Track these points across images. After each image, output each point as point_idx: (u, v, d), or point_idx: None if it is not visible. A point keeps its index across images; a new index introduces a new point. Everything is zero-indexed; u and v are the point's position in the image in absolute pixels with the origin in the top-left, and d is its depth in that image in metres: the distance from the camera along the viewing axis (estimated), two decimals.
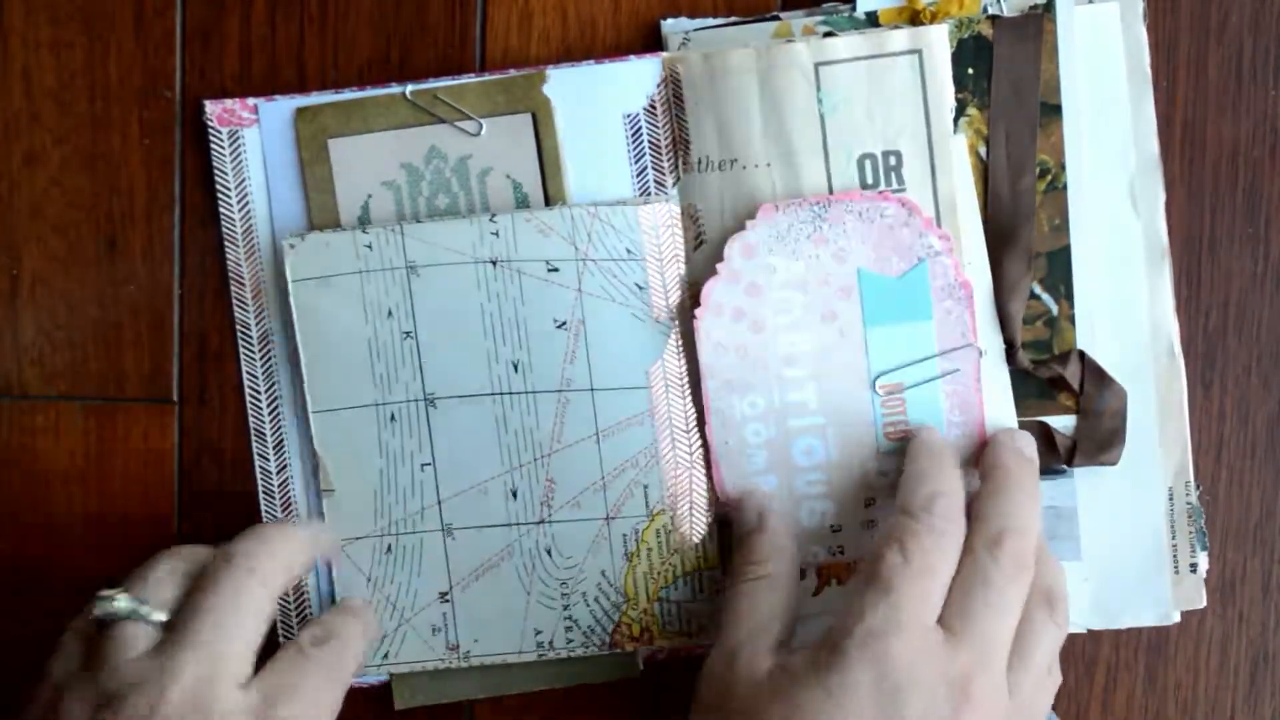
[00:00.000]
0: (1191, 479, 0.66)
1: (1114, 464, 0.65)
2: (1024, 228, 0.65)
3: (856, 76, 0.63)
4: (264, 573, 0.60)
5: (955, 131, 0.64)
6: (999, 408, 0.65)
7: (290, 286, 0.67)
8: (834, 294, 0.63)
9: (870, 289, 0.63)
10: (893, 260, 0.63)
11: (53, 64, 0.69)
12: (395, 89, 0.67)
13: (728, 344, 0.64)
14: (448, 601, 0.68)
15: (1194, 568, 0.66)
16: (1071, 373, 0.65)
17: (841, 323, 0.63)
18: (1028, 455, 0.63)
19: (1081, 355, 0.65)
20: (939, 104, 0.63)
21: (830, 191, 0.64)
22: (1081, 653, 0.68)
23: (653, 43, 0.68)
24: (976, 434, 0.64)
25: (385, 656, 0.68)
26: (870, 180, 0.64)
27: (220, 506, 0.70)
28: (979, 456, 0.63)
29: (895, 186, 0.64)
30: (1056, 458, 0.65)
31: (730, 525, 0.66)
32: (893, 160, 0.63)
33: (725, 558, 0.67)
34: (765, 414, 0.65)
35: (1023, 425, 0.65)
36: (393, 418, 0.68)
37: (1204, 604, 0.66)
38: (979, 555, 0.58)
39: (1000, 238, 0.65)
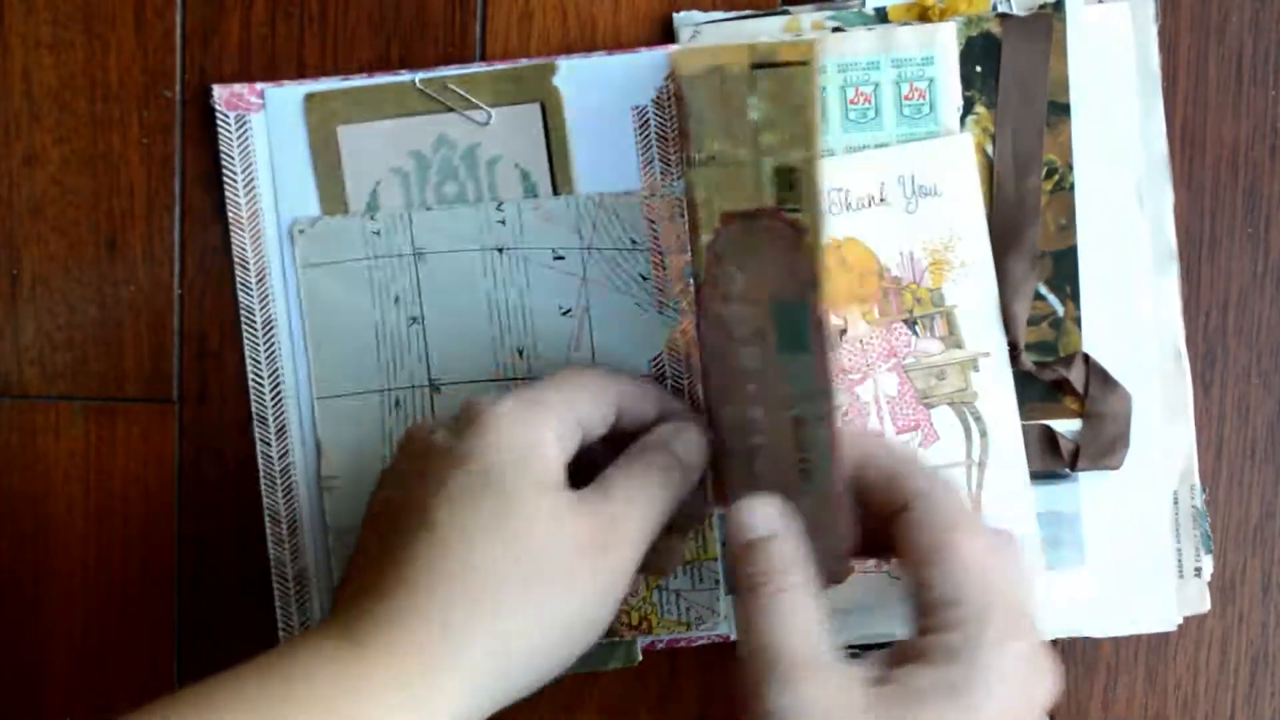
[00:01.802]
0: (1197, 482, 0.64)
1: (1117, 468, 0.63)
2: (1029, 227, 0.63)
3: (778, 85, 0.58)
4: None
5: (962, 129, 0.63)
6: (1002, 410, 0.63)
7: (299, 273, 0.66)
8: (762, 312, 0.58)
9: (777, 313, 0.58)
10: (787, 284, 0.57)
11: (53, 64, 0.67)
12: (405, 76, 0.66)
13: (718, 350, 0.59)
14: None
15: (1199, 571, 0.64)
16: (1076, 376, 0.63)
17: (768, 344, 0.58)
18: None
19: (1086, 358, 0.63)
20: (820, 121, 0.60)
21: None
22: (1081, 653, 0.67)
23: (658, 39, 0.66)
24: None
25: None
26: (784, 195, 0.59)
27: (220, 506, 0.68)
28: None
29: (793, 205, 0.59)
30: (1060, 462, 0.63)
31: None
32: (794, 176, 0.59)
33: (725, 551, 0.65)
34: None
35: (1026, 428, 0.63)
36: (397, 403, 0.66)
37: (1208, 608, 0.65)
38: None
39: (1005, 237, 0.63)
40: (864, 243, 0.62)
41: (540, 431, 0.54)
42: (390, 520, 0.54)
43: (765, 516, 0.57)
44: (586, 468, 0.57)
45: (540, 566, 0.52)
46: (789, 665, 0.52)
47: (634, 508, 0.55)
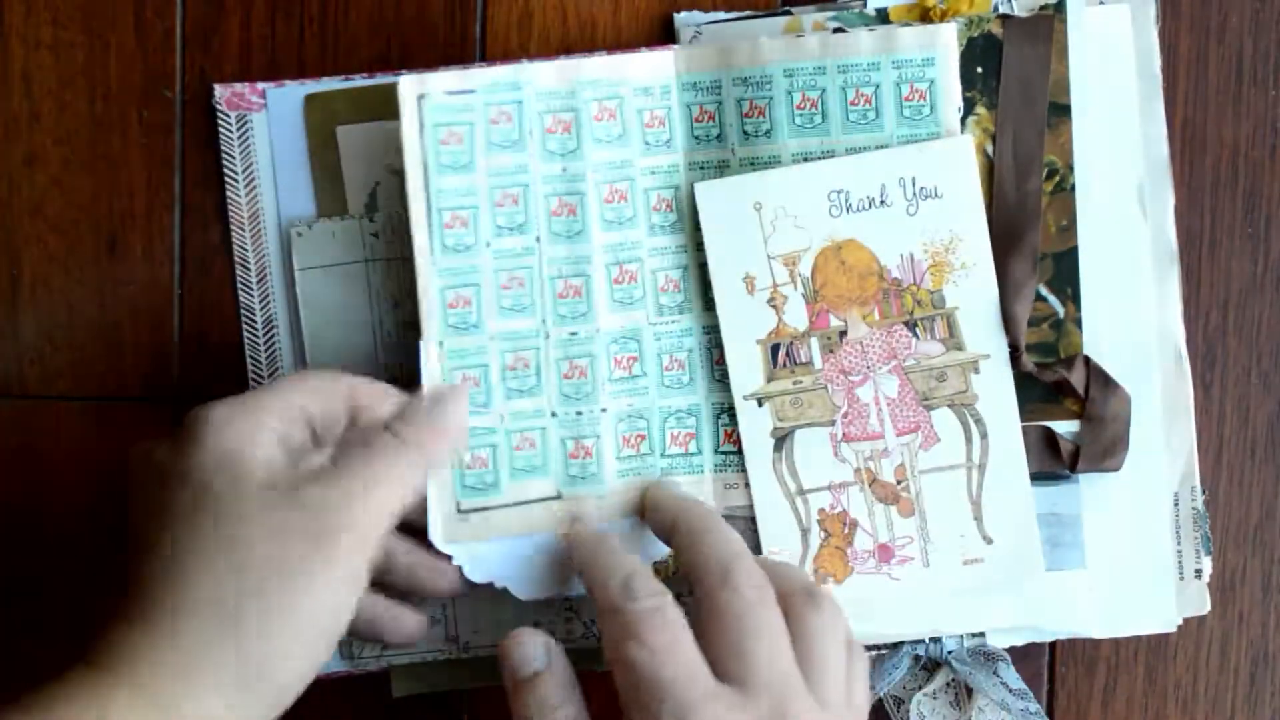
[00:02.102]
0: (1197, 484, 0.64)
1: (1117, 470, 0.63)
2: (1030, 229, 0.62)
3: None
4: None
5: (963, 130, 0.62)
6: (1002, 412, 0.62)
7: (296, 275, 0.65)
8: None
9: None
10: None
11: (53, 64, 0.67)
12: (405, 76, 0.64)
13: None
14: None
15: (1199, 573, 0.64)
16: (1076, 377, 0.63)
17: None
18: (688, 496, 0.61)
19: (1087, 360, 0.63)
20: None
21: None
22: (1081, 653, 0.66)
23: (658, 39, 0.66)
24: None
25: (384, 648, 0.65)
26: None
27: None
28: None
29: None
30: (1060, 464, 0.63)
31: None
32: None
33: None
34: None
35: (1026, 429, 0.63)
36: None
37: (1208, 609, 0.64)
38: (718, 597, 0.54)
39: (1006, 238, 0.62)
40: (864, 244, 0.62)
41: (250, 432, 0.54)
42: (129, 545, 0.54)
43: (533, 651, 0.56)
44: None
45: (269, 569, 0.51)
46: None
47: (355, 489, 0.54)
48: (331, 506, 0.53)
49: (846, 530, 0.63)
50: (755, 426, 0.63)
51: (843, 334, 0.62)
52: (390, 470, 0.55)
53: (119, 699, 0.49)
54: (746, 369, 0.62)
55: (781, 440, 0.63)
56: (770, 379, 0.62)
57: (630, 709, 0.53)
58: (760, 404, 0.63)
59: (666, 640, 0.52)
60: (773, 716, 0.51)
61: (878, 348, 0.62)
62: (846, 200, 0.61)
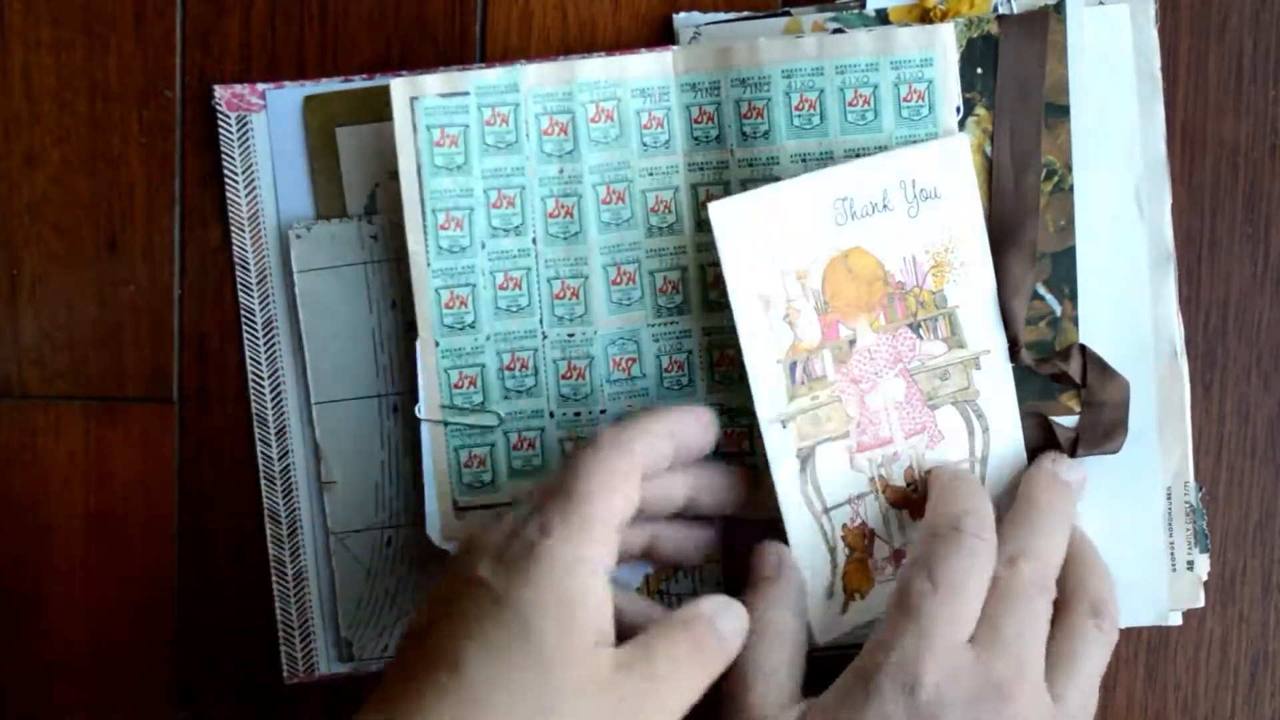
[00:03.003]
0: (1191, 480, 0.64)
1: (1116, 451, 0.63)
2: (1027, 226, 0.62)
3: None
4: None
5: (963, 131, 0.62)
6: (1002, 404, 0.63)
7: (295, 276, 0.65)
8: None
9: None
10: None
11: (53, 64, 0.67)
12: (397, 79, 0.65)
13: None
14: None
15: (1191, 565, 0.64)
16: (1073, 367, 0.63)
17: None
18: (1063, 479, 0.61)
19: (1083, 349, 0.63)
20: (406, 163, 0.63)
21: None
22: None
23: (658, 40, 0.66)
24: None
25: (385, 649, 0.66)
26: None
27: (220, 506, 0.68)
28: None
29: None
30: (1059, 450, 0.63)
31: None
32: None
33: (726, 553, 0.65)
34: None
35: (1024, 419, 0.63)
36: (395, 409, 0.66)
37: (1202, 603, 0.64)
38: (999, 572, 0.57)
39: (1003, 236, 0.62)
40: (869, 250, 0.61)
41: (590, 576, 0.52)
42: (423, 649, 0.52)
43: (770, 560, 0.61)
44: None
45: None
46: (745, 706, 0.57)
47: (673, 686, 0.53)
48: (647, 695, 0.52)
49: (866, 542, 0.62)
50: (782, 449, 0.60)
51: (852, 343, 0.61)
52: (700, 674, 0.54)
53: None
54: (771, 391, 0.60)
55: (805, 460, 0.61)
56: (791, 398, 0.61)
57: (882, 623, 0.56)
58: (784, 425, 0.60)
59: (954, 585, 0.56)
60: (996, 689, 0.54)
61: (884, 353, 0.61)
62: (851, 208, 0.61)
